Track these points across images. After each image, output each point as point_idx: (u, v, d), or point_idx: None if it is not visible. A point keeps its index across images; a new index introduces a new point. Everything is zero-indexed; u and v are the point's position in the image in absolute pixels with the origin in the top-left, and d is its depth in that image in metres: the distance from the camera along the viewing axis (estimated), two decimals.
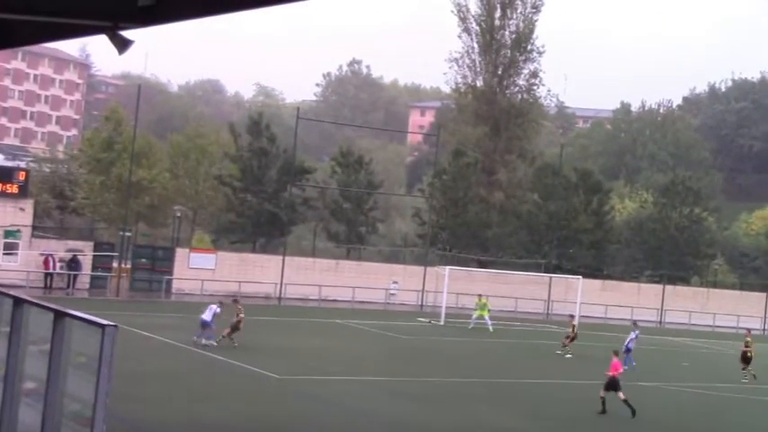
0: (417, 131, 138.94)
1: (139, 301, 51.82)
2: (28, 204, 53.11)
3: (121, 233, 56.62)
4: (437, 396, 29.11)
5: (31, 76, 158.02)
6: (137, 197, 60.73)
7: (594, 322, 58.67)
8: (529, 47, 74.74)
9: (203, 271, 56.39)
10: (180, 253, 57.52)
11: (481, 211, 70.67)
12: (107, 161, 62.96)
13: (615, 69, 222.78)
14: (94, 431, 9.10)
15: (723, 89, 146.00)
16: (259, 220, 66.43)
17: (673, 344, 53.69)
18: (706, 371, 42.27)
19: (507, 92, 75.62)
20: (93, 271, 53.41)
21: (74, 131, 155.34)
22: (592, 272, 66.57)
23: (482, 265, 66.85)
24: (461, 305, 56.01)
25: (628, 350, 39.44)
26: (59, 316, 9.96)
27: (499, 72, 75.07)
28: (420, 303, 62.02)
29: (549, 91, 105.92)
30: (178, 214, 62.17)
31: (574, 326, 43.23)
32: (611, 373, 27.74)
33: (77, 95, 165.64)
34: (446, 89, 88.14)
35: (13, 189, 51.97)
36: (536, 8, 74.22)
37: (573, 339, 42.24)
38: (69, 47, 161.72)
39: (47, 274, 52.07)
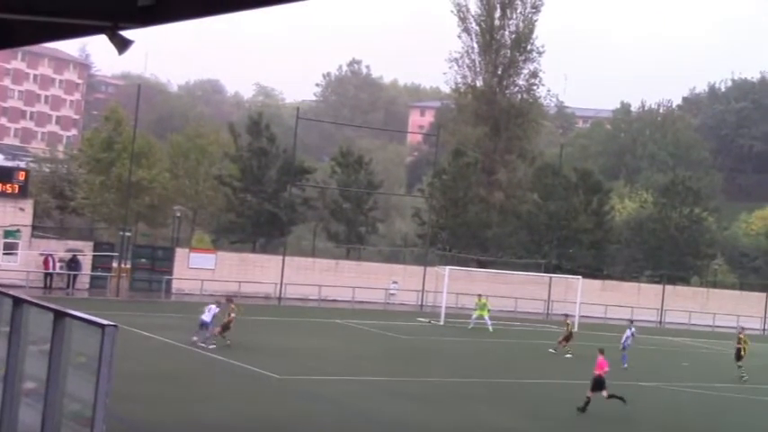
0: (417, 131, 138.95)
1: (139, 301, 51.83)
2: (28, 204, 53.12)
3: (121, 233, 56.62)
4: (437, 396, 29.11)
5: (31, 76, 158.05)
6: (136, 197, 60.73)
7: (594, 322, 58.69)
8: (529, 47, 74.79)
9: (203, 271, 56.39)
10: (180, 253, 57.52)
11: (481, 211, 70.67)
12: (107, 161, 62.97)
13: (615, 69, 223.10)
14: (94, 431, 9.10)
15: (723, 89, 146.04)
16: (259, 220, 66.44)
17: (673, 344, 53.70)
18: (706, 371, 42.27)
19: (507, 92, 75.65)
20: (92, 271, 53.42)
21: (74, 131, 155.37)
22: (592, 272, 66.59)
23: (482, 265, 66.85)
24: (461, 305, 56.00)
25: (624, 347, 39.71)
26: (59, 316, 9.95)
27: (499, 72, 75.09)
28: (420, 303, 62.02)
29: (548, 91, 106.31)
30: (178, 214, 62.17)
31: (568, 324, 43.32)
32: (597, 372, 27.82)
33: (77, 95, 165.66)
34: (446, 89, 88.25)
35: (13, 189, 51.97)
36: (536, 8, 74.31)
37: (568, 339, 42.31)
38: (69, 47, 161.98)
39: (47, 274, 52.07)
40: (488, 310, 50.93)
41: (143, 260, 55.81)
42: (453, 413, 26.72)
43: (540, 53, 75.13)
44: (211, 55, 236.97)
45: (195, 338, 34.84)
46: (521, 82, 75.81)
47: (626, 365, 38.85)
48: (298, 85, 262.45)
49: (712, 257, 79.42)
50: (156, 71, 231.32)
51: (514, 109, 74.93)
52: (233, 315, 35.31)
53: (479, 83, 75.84)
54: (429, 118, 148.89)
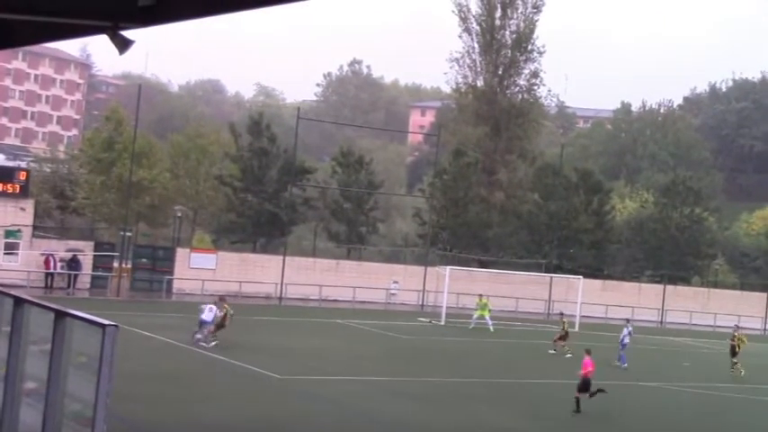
0: (418, 131, 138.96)
1: (140, 301, 51.82)
2: (29, 204, 53.12)
3: (122, 233, 56.63)
4: (438, 396, 29.12)
5: (32, 76, 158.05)
6: (137, 197, 60.71)
7: (595, 322, 58.69)
8: (529, 47, 74.75)
9: (204, 271, 56.38)
10: (180, 253, 57.52)
11: (482, 211, 70.66)
12: (108, 161, 62.94)
13: (616, 69, 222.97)
14: (95, 431, 9.10)
15: (724, 89, 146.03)
16: (259, 220, 66.44)
17: (673, 344, 53.71)
18: (707, 371, 42.26)
19: (508, 92, 75.61)
20: (93, 271, 53.43)
21: (74, 131, 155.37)
22: (592, 272, 66.59)
23: (483, 265, 66.85)
24: (462, 305, 56.01)
25: (623, 346, 39.80)
26: (60, 316, 9.96)
27: (500, 72, 75.06)
28: (421, 303, 62.00)
29: (549, 91, 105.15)
30: (179, 214, 62.18)
31: (564, 323, 43.38)
32: (583, 373, 27.88)
33: (78, 95, 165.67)
34: (446, 89, 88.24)
35: (14, 189, 51.97)
36: (536, 8, 74.26)
37: (564, 338, 42.35)
38: (70, 47, 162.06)
39: (47, 274, 52.07)
40: (489, 310, 50.93)
41: (144, 260, 55.82)
42: (454, 413, 26.73)
43: (540, 53, 75.20)
44: (212, 55, 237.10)
45: (199, 336, 34.85)
46: (521, 82, 75.83)
47: (626, 365, 38.93)
48: (298, 85, 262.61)
49: (713, 257, 79.42)
50: (157, 71, 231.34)
51: (515, 109, 74.91)
52: (221, 313, 35.29)
53: (480, 83, 75.82)
54: (430, 118, 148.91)
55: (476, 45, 74.77)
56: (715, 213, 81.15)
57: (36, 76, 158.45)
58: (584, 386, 27.68)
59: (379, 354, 39.18)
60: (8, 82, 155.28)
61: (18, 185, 52.22)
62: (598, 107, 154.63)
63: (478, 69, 75.31)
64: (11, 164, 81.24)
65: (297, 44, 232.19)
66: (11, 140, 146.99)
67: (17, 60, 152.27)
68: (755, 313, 69.70)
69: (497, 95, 74.95)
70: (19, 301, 10.90)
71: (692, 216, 75.45)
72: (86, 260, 53.15)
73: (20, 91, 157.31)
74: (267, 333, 41.45)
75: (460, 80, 76.04)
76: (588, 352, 28.76)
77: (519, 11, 74.11)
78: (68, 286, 51.49)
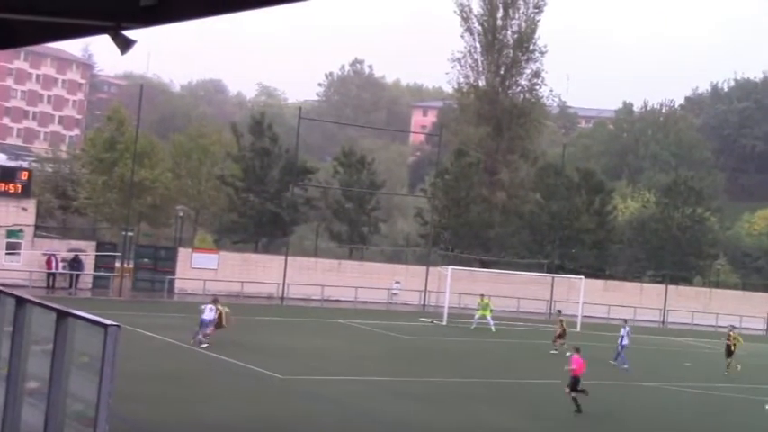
0: (419, 131, 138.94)
1: (142, 300, 51.84)
2: (30, 204, 53.16)
3: (124, 233, 56.64)
4: (439, 396, 29.12)
5: (34, 76, 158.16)
6: (139, 197, 60.73)
7: (597, 322, 58.67)
8: (531, 47, 74.77)
9: (206, 271, 56.39)
10: (182, 253, 57.54)
11: (483, 211, 70.66)
12: (109, 161, 62.96)
13: (617, 69, 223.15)
14: (97, 431, 9.11)
15: (725, 89, 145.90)
16: (261, 220, 66.45)
17: (675, 344, 53.70)
18: (708, 371, 42.21)
19: (509, 92, 75.62)
20: (95, 271, 53.49)
21: (76, 131, 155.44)
22: (594, 272, 66.57)
23: (484, 265, 66.85)
24: (464, 305, 56.00)
25: (623, 347, 39.79)
26: (62, 316, 9.96)
27: (501, 72, 75.06)
28: (422, 303, 62.01)
29: (551, 91, 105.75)
30: (180, 214, 62.18)
31: (561, 321, 43.36)
32: (572, 369, 27.95)
33: (80, 95, 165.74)
34: (448, 89, 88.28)
35: (16, 189, 52.01)
36: (538, 8, 74.27)
37: (562, 336, 42.37)
38: (72, 47, 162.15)
39: (49, 274, 52.10)
40: (491, 311, 50.92)
41: (146, 260, 55.86)
42: (456, 413, 26.73)
43: (542, 53, 75.24)
44: (214, 55, 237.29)
45: (200, 337, 34.86)
46: (523, 82, 75.86)
47: (626, 366, 38.90)
48: (300, 85, 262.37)
49: (715, 257, 79.39)
50: (159, 71, 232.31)
51: (517, 109, 74.91)
52: (221, 314, 35.30)
53: (482, 83, 75.82)
54: (431, 118, 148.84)
55: (477, 45, 74.87)
56: (717, 213, 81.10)
57: (38, 76, 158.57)
58: (575, 384, 27.79)
59: (381, 354, 39.19)
60: (10, 82, 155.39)
61: (20, 185, 52.26)
62: (600, 107, 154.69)
63: (480, 69, 75.36)
64: (13, 164, 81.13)
65: (299, 44, 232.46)
66: (13, 140, 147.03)
67: (19, 60, 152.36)
68: (757, 313, 69.65)
69: (499, 95, 74.95)
70: (21, 301, 10.91)
71: (693, 216, 75.42)
72: (88, 260, 53.20)
73: (22, 91, 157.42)
74: (269, 333, 41.46)
75: (462, 80, 76.19)
76: (577, 350, 29.03)
77: (521, 11, 74.17)
78: (70, 286, 51.53)
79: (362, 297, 59.25)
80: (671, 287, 69.06)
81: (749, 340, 48.66)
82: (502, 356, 42.46)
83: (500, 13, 74.06)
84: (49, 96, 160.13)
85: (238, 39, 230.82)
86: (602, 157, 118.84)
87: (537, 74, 75.36)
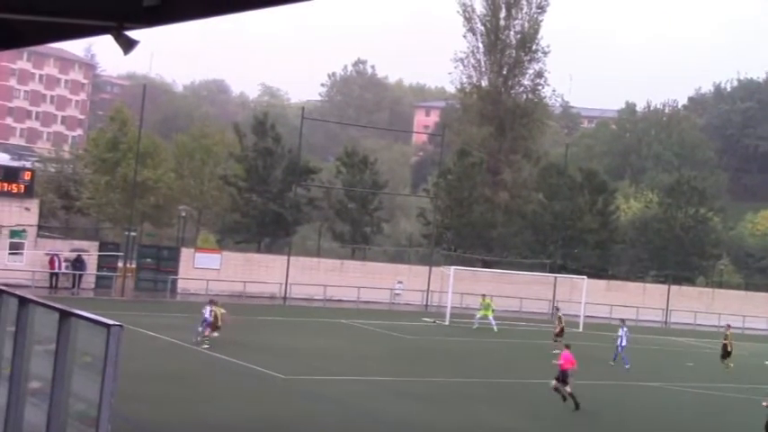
0: (422, 131, 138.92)
1: (144, 300, 51.87)
2: (33, 204, 53.20)
3: (126, 233, 56.70)
4: (442, 396, 29.12)
5: (37, 77, 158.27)
6: (142, 197, 60.76)
7: (599, 322, 58.55)
8: (534, 47, 74.77)
9: (208, 271, 56.41)
10: (185, 253, 57.57)
11: (486, 211, 70.66)
12: (112, 161, 63.01)
13: (620, 69, 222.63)
14: (100, 431, 9.12)
15: (728, 89, 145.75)
16: (264, 220, 66.47)
17: (677, 344, 53.67)
18: (710, 371, 42.18)
19: (512, 92, 75.61)
20: (98, 271, 53.50)
21: (79, 131, 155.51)
22: (597, 272, 66.57)
23: (487, 265, 66.85)
24: (466, 305, 55.99)
25: (622, 347, 39.79)
26: (65, 316, 9.97)
27: (504, 72, 75.06)
28: (425, 303, 62.01)
29: (554, 91, 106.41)
30: (183, 214, 62.22)
31: (560, 318, 43.33)
32: (560, 363, 28.07)
33: (83, 95, 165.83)
34: (451, 89, 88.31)
35: (19, 189, 52.04)
36: (541, 8, 74.33)
37: (560, 333, 42.36)
38: (74, 47, 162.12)
39: (52, 274, 52.13)
40: (492, 310, 50.93)
41: (148, 260, 55.87)
42: (458, 413, 26.73)
43: (545, 53, 75.23)
44: (216, 55, 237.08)
45: (199, 338, 34.86)
46: (526, 82, 75.89)
47: (628, 366, 38.86)
48: (303, 85, 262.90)
49: (718, 257, 79.35)
50: (162, 71, 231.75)
51: (519, 109, 74.91)
52: (217, 316, 35.32)
53: (484, 83, 75.84)
54: (434, 118, 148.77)
55: (480, 45, 74.86)
56: (720, 213, 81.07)
57: (41, 76, 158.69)
58: (563, 378, 27.92)
59: (384, 354, 39.19)
60: (13, 82, 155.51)
61: (23, 185, 52.31)
62: (603, 107, 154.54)
63: (483, 69, 75.38)
64: (16, 164, 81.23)
65: (301, 44, 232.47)
66: (16, 140, 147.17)
67: (22, 60, 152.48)
68: (760, 313, 69.56)
69: (502, 95, 74.94)
70: (24, 301, 10.92)
71: (696, 216, 75.39)
72: (91, 260, 53.21)
73: (24, 91, 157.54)
74: (271, 333, 41.48)
75: (465, 80, 76.20)
76: (568, 347, 29.34)
77: (523, 11, 74.19)
78: (73, 286, 51.57)
79: (365, 297, 59.24)
80: (674, 287, 69.01)
81: (752, 341, 48.72)
82: (504, 356, 42.45)
83: (503, 14, 74.09)
84: (51, 96, 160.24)
85: (241, 39, 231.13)
86: (605, 157, 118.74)
87: (540, 74, 75.44)
